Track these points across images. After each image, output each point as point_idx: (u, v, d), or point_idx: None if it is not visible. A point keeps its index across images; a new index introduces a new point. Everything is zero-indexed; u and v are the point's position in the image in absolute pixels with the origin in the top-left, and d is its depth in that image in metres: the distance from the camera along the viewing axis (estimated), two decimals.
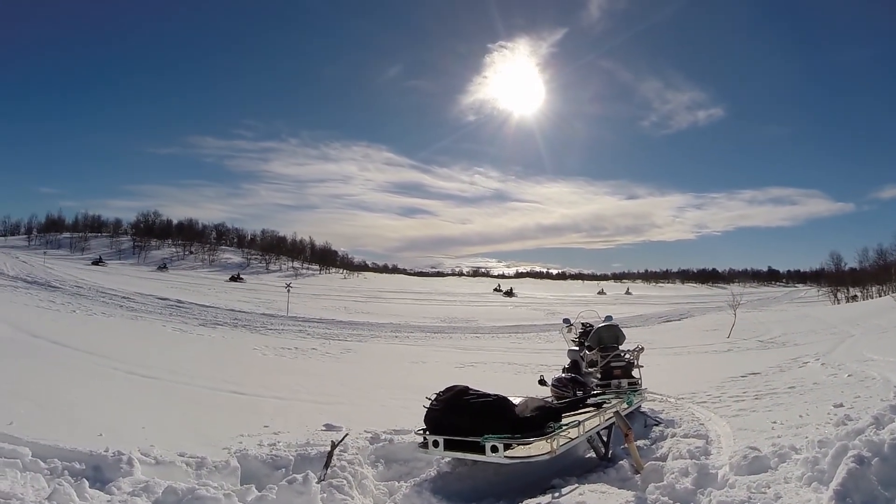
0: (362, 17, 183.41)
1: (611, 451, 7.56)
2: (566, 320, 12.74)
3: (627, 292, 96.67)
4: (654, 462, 6.80)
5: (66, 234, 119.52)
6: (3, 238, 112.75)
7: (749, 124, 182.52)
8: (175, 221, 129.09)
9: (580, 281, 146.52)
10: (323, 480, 6.27)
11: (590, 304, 50.35)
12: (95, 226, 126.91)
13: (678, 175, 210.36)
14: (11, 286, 33.42)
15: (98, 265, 74.92)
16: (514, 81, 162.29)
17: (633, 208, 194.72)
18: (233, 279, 74.05)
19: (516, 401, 7.13)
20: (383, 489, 6.70)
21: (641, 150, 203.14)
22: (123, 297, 32.35)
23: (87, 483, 5.67)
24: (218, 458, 6.89)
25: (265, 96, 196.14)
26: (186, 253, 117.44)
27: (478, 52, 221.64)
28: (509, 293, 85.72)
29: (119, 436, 7.33)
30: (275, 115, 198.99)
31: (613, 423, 7.36)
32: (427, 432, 6.65)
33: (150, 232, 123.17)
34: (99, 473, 6.11)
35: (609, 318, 11.85)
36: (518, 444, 6.20)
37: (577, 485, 6.19)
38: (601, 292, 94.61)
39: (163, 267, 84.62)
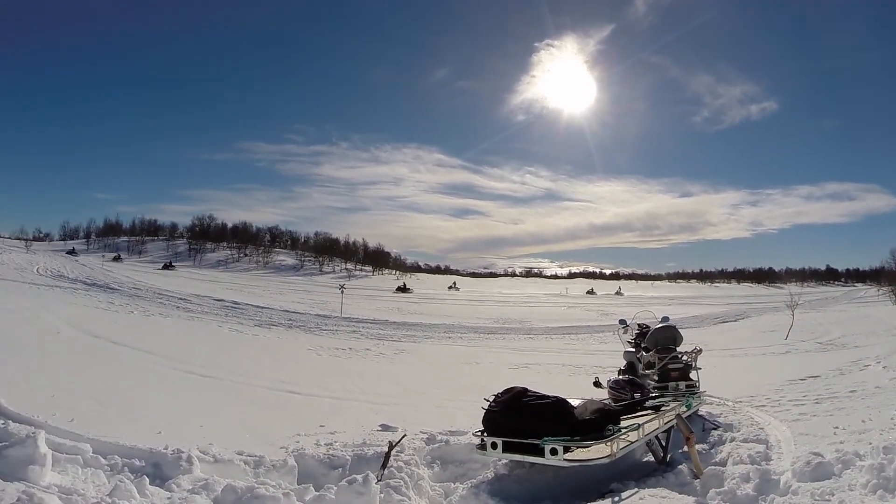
0: (409, 19, 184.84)
1: (669, 455, 7.38)
2: (622, 321, 12.56)
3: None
4: (713, 467, 6.68)
5: (124, 238, 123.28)
6: (62, 242, 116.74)
7: (804, 117, 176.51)
8: (230, 225, 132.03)
9: (634, 281, 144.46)
10: (380, 481, 6.22)
11: (604, 306, 49.83)
12: (152, 229, 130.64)
13: (732, 171, 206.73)
14: (72, 288, 34.49)
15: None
16: (563, 80, 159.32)
17: (686, 206, 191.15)
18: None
19: (575, 403, 6.99)
20: (439, 490, 6.62)
21: (694, 147, 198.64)
22: (180, 299, 33.04)
23: (147, 480, 5.73)
24: (275, 457, 6.91)
25: (315, 101, 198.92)
26: (241, 255, 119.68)
27: (525, 51, 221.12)
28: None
29: (178, 433, 7.45)
30: (325, 119, 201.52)
31: (672, 426, 7.23)
32: (485, 434, 6.55)
33: (206, 235, 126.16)
34: (158, 470, 6.18)
35: (666, 318, 11.65)
36: (577, 447, 6.07)
37: (636, 489, 6.09)
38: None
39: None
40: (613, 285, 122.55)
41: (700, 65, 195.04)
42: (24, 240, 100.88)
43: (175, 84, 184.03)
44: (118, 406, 8.79)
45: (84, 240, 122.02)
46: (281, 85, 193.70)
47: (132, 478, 5.84)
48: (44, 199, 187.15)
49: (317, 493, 5.87)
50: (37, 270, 45.71)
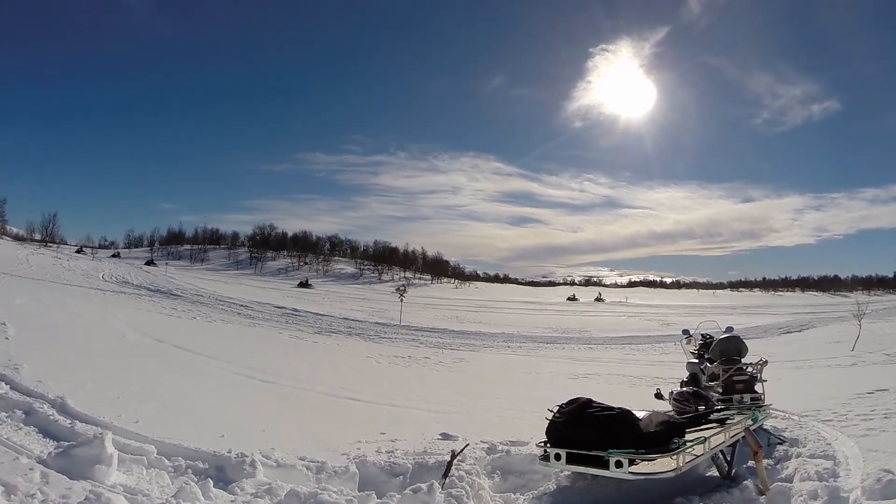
0: (464, 28, 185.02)
1: (734, 470, 7.15)
2: (685, 331, 12.27)
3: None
4: (780, 483, 6.43)
5: (187, 247, 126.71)
6: (127, 250, 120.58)
7: (868, 116, 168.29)
8: (290, 234, 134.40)
9: (696, 290, 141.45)
10: (442, 490, 6.16)
11: (665, 316, 48.64)
12: (214, 238, 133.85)
13: (795, 175, 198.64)
14: (136, 294, 35.46)
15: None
16: (619, 85, 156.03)
17: (748, 212, 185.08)
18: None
19: (640, 414, 6.83)
20: (499, 501, 6.53)
21: (755, 150, 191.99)
22: (241, 306, 33.65)
23: (211, 482, 5.82)
24: (337, 463, 6.94)
25: (372, 112, 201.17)
26: (301, 264, 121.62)
27: (580, 56, 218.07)
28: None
29: (240, 438, 7.55)
30: (382, 129, 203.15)
31: (738, 440, 7.01)
32: (548, 445, 6.43)
33: (267, 244, 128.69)
34: (222, 474, 6.28)
35: (730, 329, 11.36)
36: (642, 460, 5.90)
37: None
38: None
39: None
40: (675, 294, 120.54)
41: (758, 65, 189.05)
42: (91, 247, 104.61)
43: (236, 98, 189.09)
44: (182, 409, 8.98)
45: (148, 248, 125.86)
46: (338, 96, 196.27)
47: (196, 480, 5.94)
48: (109, 209, 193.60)
49: (379, 501, 5.87)
50: (102, 276, 47.17)
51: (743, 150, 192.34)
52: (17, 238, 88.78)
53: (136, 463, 6.33)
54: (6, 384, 8.76)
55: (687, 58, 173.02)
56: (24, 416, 7.52)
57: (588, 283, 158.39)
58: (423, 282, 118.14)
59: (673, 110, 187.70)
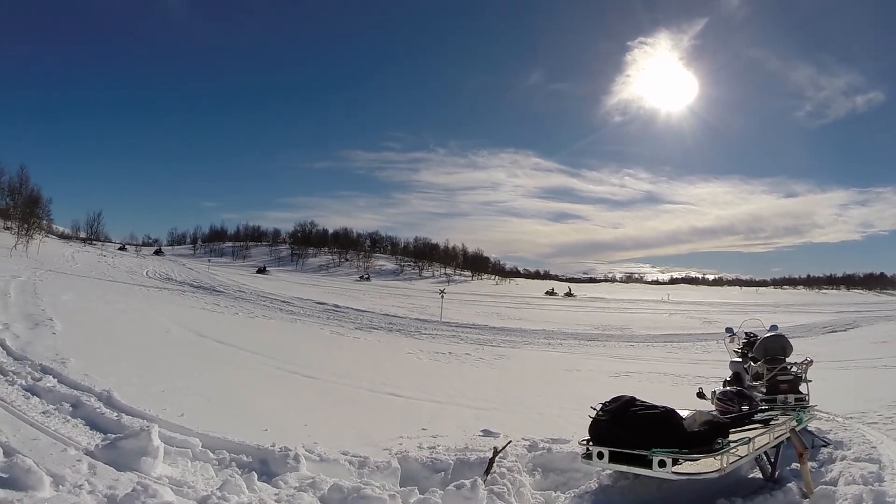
0: (502, 24, 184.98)
1: (778, 472, 6.99)
2: (729, 329, 12.04)
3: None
4: (824, 486, 6.31)
5: (229, 244, 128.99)
6: (170, 247, 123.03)
7: None
8: (331, 231, 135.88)
9: (738, 287, 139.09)
10: (484, 487, 6.14)
11: (707, 313, 47.80)
12: (255, 235, 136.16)
13: (839, 168, 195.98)
14: (179, 290, 36.08)
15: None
16: (658, 78, 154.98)
17: (792, 207, 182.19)
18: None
19: (683, 414, 6.73)
20: (540, 498, 6.49)
21: (797, 143, 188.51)
22: (283, 302, 34.03)
23: (255, 476, 5.87)
24: (379, 458, 6.97)
25: (411, 109, 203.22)
26: (342, 260, 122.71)
27: (619, 50, 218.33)
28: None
29: (283, 432, 7.63)
30: (422, 126, 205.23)
31: (782, 441, 6.86)
32: (591, 443, 6.37)
33: (308, 241, 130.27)
34: (266, 467, 6.35)
35: (774, 327, 11.12)
36: (685, 460, 5.81)
37: None
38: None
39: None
40: (717, 291, 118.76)
41: (800, 56, 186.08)
42: (135, 245, 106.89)
43: (276, 97, 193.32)
44: (225, 403, 9.13)
45: (191, 245, 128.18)
46: (378, 94, 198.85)
47: (240, 473, 6.01)
48: (153, 207, 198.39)
49: (422, 496, 5.87)
50: (146, 273, 48.17)
51: (785, 144, 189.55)
52: (62, 236, 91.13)
53: (182, 455, 6.44)
54: (54, 378, 8.98)
55: (726, 50, 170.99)
56: (71, 408, 7.71)
57: (629, 279, 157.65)
58: (463, 278, 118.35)
59: (713, 103, 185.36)
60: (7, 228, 60.85)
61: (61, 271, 37.18)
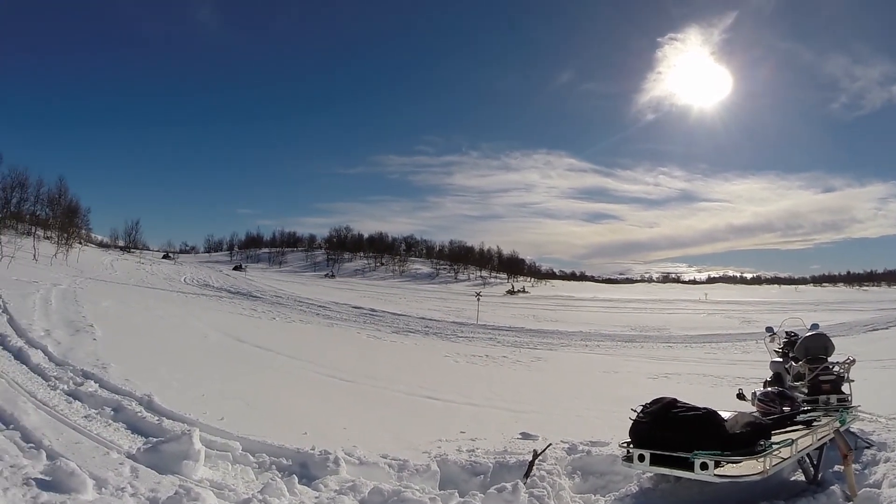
0: (531, 25, 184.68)
1: (820, 475, 6.82)
2: (769, 329, 11.84)
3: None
4: (868, 489, 6.14)
5: (265, 250, 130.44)
6: (207, 254, 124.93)
7: None
8: (365, 235, 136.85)
9: (777, 286, 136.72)
10: (525, 490, 6.10)
11: (746, 313, 46.87)
12: (291, 241, 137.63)
13: (878, 161, 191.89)
14: (217, 296, 36.51)
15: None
16: (690, 74, 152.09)
17: (830, 202, 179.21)
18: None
19: (725, 415, 6.61)
20: (579, 501, 6.40)
21: (833, 137, 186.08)
22: (320, 306, 34.20)
23: (296, 479, 5.92)
24: (419, 461, 6.96)
25: (443, 113, 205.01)
26: (378, 264, 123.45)
27: (649, 47, 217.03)
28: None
29: (322, 435, 7.67)
30: (454, 130, 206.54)
31: (825, 443, 6.69)
32: (631, 445, 6.28)
33: (343, 245, 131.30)
34: (306, 470, 6.40)
35: (815, 326, 10.91)
36: (728, 462, 5.70)
37: None
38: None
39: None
40: (755, 290, 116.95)
41: (833, 47, 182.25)
42: (173, 252, 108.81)
43: (309, 105, 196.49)
44: (264, 406, 9.21)
45: (227, 252, 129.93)
46: (410, 98, 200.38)
47: (281, 476, 6.06)
48: (189, 215, 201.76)
49: (462, 500, 5.87)
50: (184, 280, 48.86)
51: (821, 137, 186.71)
52: (101, 245, 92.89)
53: (222, 459, 6.51)
54: (95, 382, 9.14)
55: (757, 43, 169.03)
56: (112, 412, 7.85)
57: (666, 279, 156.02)
58: (499, 280, 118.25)
59: (746, 98, 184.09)
60: (47, 238, 62.25)
61: (101, 279, 37.87)
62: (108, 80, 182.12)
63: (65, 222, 68.77)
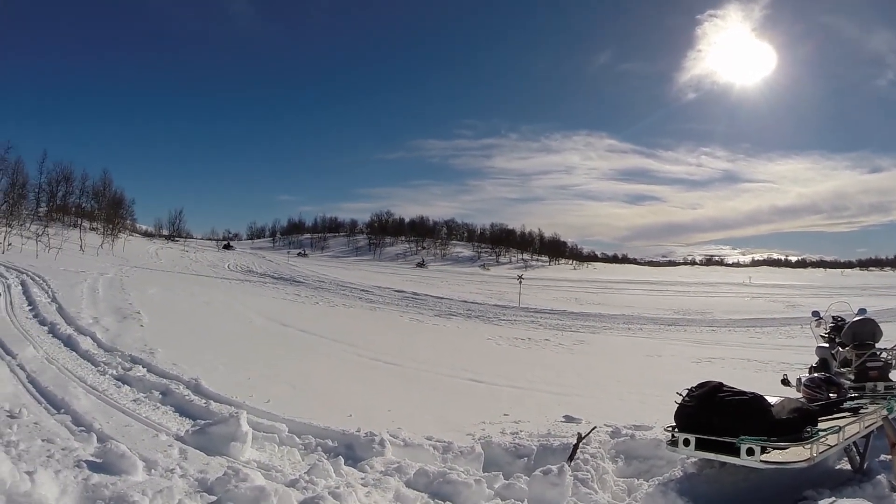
0: (568, 5, 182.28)
1: (867, 464, 6.65)
2: (815, 313, 11.53)
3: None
4: None
5: (307, 236, 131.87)
6: (250, 241, 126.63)
7: None
8: (407, 219, 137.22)
9: (822, 270, 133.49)
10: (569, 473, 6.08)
11: (791, 297, 45.82)
12: (333, 227, 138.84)
13: None
14: (261, 282, 37.05)
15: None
16: (731, 52, 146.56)
17: (877, 183, 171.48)
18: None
19: (772, 400, 6.47)
20: (622, 485, 6.34)
21: (880, 114, 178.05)
22: (362, 290, 34.46)
23: (342, 460, 5.96)
24: (463, 443, 6.97)
25: (482, 96, 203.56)
26: (419, 248, 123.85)
27: (688, 25, 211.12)
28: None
29: (367, 417, 7.72)
30: (493, 112, 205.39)
31: (872, 431, 6.51)
32: (676, 429, 6.20)
33: (384, 230, 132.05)
34: (351, 451, 6.45)
35: (863, 311, 10.57)
36: (774, 448, 5.58)
37: (833, 498, 5.52)
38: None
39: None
40: (800, 273, 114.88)
41: (878, 20, 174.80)
42: (216, 240, 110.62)
43: (349, 92, 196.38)
44: (309, 390, 9.34)
45: (270, 238, 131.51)
46: (449, 83, 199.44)
47: (327, 457, 6.12)
48: (232, 203, 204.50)
49: (506, 482, 5.84)
50: (227, 266, 49.69)
51: (867, 115, 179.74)
52: (146, 234, 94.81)
53: (269, 440, 6.62)
54: (143, 367, 9.37)
55: (800, 18, 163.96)
56: (161, 396, 8.04)
57: (710, 262, 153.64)
58: (540, 263, 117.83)
59: (789, 75, 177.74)
60: (93, 229, 63.78)
61: (146, 267, 38.71)
62: (149, 76, 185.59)
63: (110, 213, 70.50)
